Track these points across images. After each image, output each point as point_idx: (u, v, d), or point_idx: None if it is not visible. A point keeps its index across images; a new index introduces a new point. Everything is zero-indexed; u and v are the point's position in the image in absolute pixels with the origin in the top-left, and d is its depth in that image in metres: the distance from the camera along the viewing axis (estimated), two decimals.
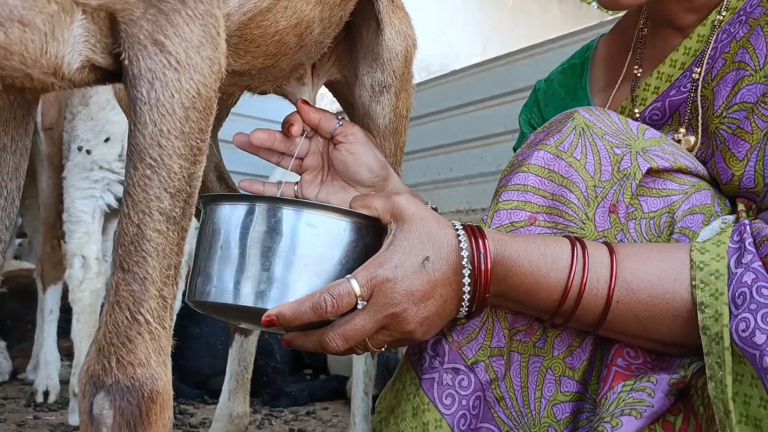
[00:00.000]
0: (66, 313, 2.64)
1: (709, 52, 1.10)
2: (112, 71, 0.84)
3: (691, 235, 0.96)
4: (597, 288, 0.90)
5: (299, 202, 0.93)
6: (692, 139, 1.10)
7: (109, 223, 2.82)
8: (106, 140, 2.44)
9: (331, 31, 1.25)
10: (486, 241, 0.90)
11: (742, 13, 1.09)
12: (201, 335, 2.90)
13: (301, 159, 1.30)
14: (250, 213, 0.92)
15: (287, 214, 0.91)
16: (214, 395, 2.76)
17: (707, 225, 0.97)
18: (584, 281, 0.89)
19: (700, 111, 1.09)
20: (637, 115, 1.17)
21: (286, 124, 1.24)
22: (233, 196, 0.94)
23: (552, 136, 1.00)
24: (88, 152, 2.44)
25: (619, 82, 1.25)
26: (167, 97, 0.81)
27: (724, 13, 1.12)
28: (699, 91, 1.09)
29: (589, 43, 1.39)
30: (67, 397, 2.62)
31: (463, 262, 0.89)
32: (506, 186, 0.99)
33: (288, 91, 1.43)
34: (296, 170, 1.31)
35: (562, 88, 1.36)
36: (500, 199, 0.99)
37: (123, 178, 2.48)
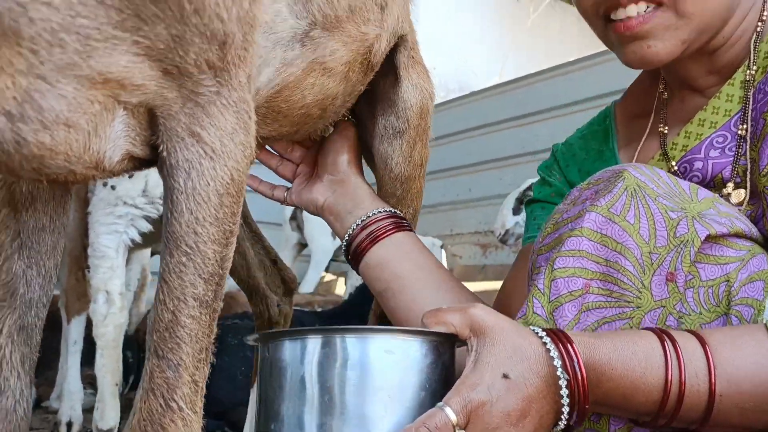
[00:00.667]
0: (89, 341, 2.67)
1: (750, 113, 1.10)
2: (149, 159, 0.86)
3: (755, 304, 0.94)
4: (698, 384, 0.86)
5: (366, 329, 0.88)
6: (742, 192, 1.09)
7: (132, 254, 2.86)
8: (130, 176, 2.48)
9: (351, 101, 1.29)
10: (574, 345, 0.85)
11: None
12: (222, 366, 2.92)
13: (297, 165, 1.41)
14: (318, 347, 0.86)
15: (360, 343, 0.85)
16: (234, 427, 2.78)
17: (767, 291, 0.96)
18: (683, 378, 0.85)
19: (749, 170, 1.08)
20: (675, 169, 1.17)
21: None
22: (295, 331, 0.89)
23: (602, 197, 0.97)
24: (113, 188, 2.48)
25: (643, 139, 1.25)
26: (203, 186, 0.83)
27: (753, 71, 1.12)
28: (748, 151, 1.09)
29: (604, 110, 1.40)
30: (89, 428, 2.64)
31: (558, 372, 0.85)
32: (560, 251, 0.97)
33: None
34: (291, 177, 1.42)
35: (583, 151, 1.37)
36: (555, 267, 0.96)
37: (146, 214, 2.53)
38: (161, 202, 2.45)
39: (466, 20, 8.76)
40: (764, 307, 0.94)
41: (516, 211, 4.31)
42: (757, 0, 1.16)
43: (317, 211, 1.39)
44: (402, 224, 1.33)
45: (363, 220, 1.32)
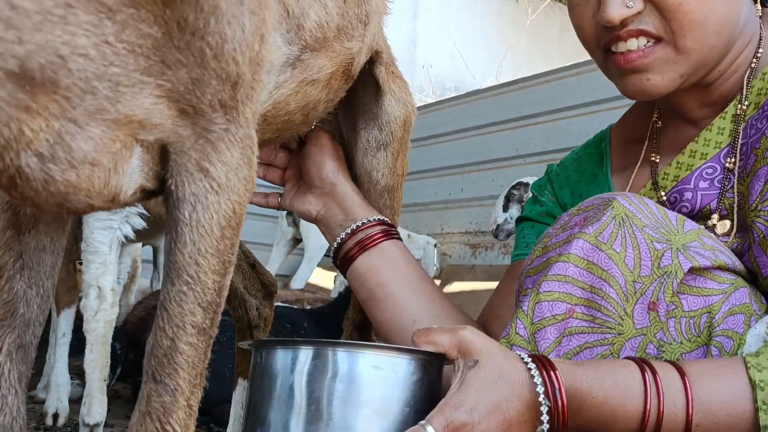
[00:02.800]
0: (79, 332, 2.69)
1: (739, 147, 1.12)
2: (155, 191, 0.89)
3: (735, 336, 0.97)
4: (675, 413, 0.88)
5: (357, 344, 0.91)
6: (728, 223, 1.11)
7: (123, 247, 2.87)
8: None
9: (331, 107, 1.31)
10: (558, 373, 0.88)
11: (767, 108, 1.11)
12: (209, 362, 2.94)
13: (283, 170, 1.44)
14: (307, 359, 0.89)
15: (349, 357, 0.88)
16: (220, 423, 2.81)
17: (748, 324, 0.99)
18: (661, 408, 0.88)
19: (735, 203, 1.11)
20: (663, 198, 1.19)
21: None
22: (288, 341, 0.93)
23: (591, 225, 1.00)
24: None
25: (637, 167, 1.28)
26: (207, 219, 0.86)
27: (744, 105, 1.14)
28: (735, 186, 1.11)
29: (600, 133, 1.43)
30: (75, 420, 2.67)
31: (540, 399, 0.87)
32: (546, 276, 0.99)
33: None
34: (279, 181, 1.45)
35: (577, 173, 1.39)
36: (541, 290, 0.99)
37: (141, 211, 2.54)
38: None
39: (464, 20, 8.76)
40: (744, 341, 0.97)
41: (505, 208, 4.42)
42: (753, 36, 1.19)
43: (311, 221, 1.43)
44: (390, 232, 1.36)
45: (353, 228, 1.35)
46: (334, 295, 4.48)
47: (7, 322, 0.95)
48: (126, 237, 2.54)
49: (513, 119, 6.09)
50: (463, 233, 6.39)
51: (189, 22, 0.77)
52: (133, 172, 0.83)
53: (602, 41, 1.15)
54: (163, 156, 0.85)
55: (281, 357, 0.91)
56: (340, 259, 1.37)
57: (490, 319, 1.37)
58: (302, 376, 0.88)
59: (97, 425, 2.29)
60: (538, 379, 0.87)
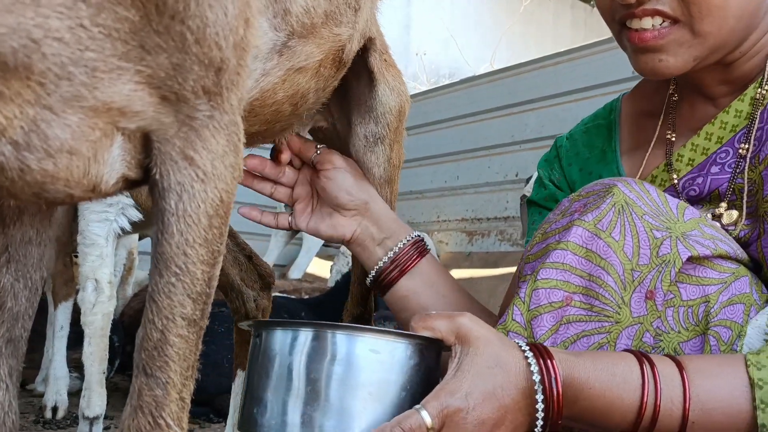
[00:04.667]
0: (76, 325, 2.68)
1: (754, 132, 1.10)
2: (140, 180, 0.88)
3: (734, 326, 0.96)
4: (671, 409, 0.88)
5: (356, 328, 0.91)
6: (735, 213, 1.09)
7: (119, 239, 2.86)
8: None
9: (323, 97, 1.29)
10: (555, 362, 0.87)
11: None
12: (207, 353, 2.94)
13: (291, 188, 1.40)
14: (306, 340, 0.90)
15: (346, 340, 0.88)
16: (220, 414, 2.81)
17: (747, 314, 0.98)
18: (657, 402, 0.88)
19: (745, 192, 1.08)
20: (675, 181, 1.17)
21: (275, 152, 1.36)
22: (286, 322, 0.93)
23: (590, 212, 0.99)
24: None
25: (651, 145, 1.25)
26: (194, 208, 0.85)
27: (765, 90, 1.11)
28: (746, 172, 1.09)
29: (611, 103, 1.38)
30: (74, 413, 2.67)
31: (536, 387, 0.87)
32: (544, 263, 0.99)
33: None
34: (288, 200, 1.41)
35: (587, 148, 1.35)
36: (538, 277, 0.98)
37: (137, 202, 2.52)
38: None
39: (458, 6, 8.72)
40: (745, 332, 0.96)
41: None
42: None
43: (343, 243, 1.39)
44: (423, 248, 1.36)
45: (394, 252, 1.33)
46: (331, 284, 4.47)
47: None
48: (122, 229, 2.52)
49: (508, 105, 6.07)
50: (459, 221, 6.38)
51: (168, 5, 0.75)
52: (115, 162, 0.82)
53: (617, 15, 1.12)
54: (146, 144, 0.84)
55: (280, 338, 0.91)
56: (379, 282, 1.35)
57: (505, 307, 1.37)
58: (300, 357, 0.89)
59: (96, 418, 2.28)
60: (534, 368, 0.87)
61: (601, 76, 5.04)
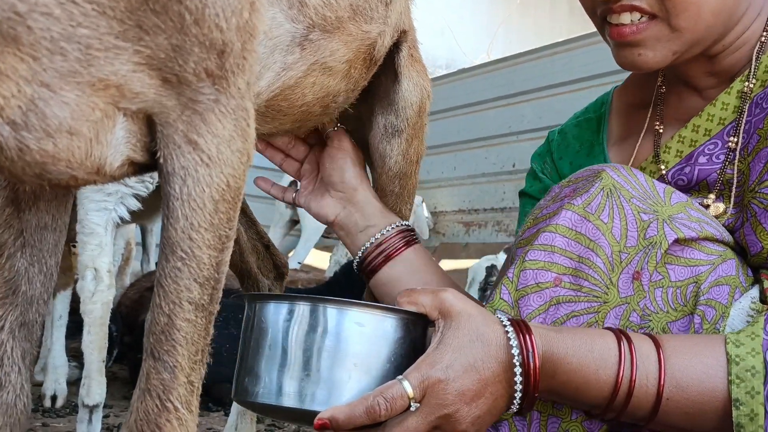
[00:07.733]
0: (75, 314, 2.68)
1: (743, 125, 1.11)
2: (149, 164, 0.88)
3: (718, 306, 0.98)
4: (647, 385, 0.90)
5: (344, 302, 0.93)
6: (721, 206, 1.11)
7: (117, 229, 2.86)
8: None
9: (354, 96, 1.29)
10: (533, 337, 0.90)
11: None
12: None
13: (300, 163, 1.44)
14: (297, 313, 0.92)
15: (334, 313, 0.91)
16: (218, 403, 2.82)
17: (732, 296, 1.00)
18: (633, 378, 0.90)
19: (734, 183, 1.10)
20: (663, 172, 1.18)
21: None
22: (279, 295, 0.94)
23: (579, 196, 1.01)
24: None
25: (641, 137, 1.26)
26: (198, 192, 0.85)
27: (752, 83, 1.12)
28: (736, 163, 1.10)
29: (603, 96, 1.40)
30: (74, 401, 2.67)
31: (514, 360, 0.89)
32: (532, 245, 1.00)
33: None
34: (295, 174, 1.45)
35: (577, 141, 1.37)
36: (526, 258, 1.00)
37: (136, 192, 2.52)
38: (151, 180, 2.46)
39: None
40: (728, 313, 0.98)
41: None
42: (763, 9, 1.16)
43: (327, 225, 1.42)
44: (410, 237, 1.37)
45: (377, 238, 1.35)
46: (329, 274, 4.48)
47: (9, 300, 0.94)
48: (121, 218, 2.52)
49: (505, 96, 6.07)
50: (456, 211, 6.39)
51: None
52: (119, 143, 0.81)
53: (598, 10, 1.14)
54: (151, 128, 0.83)
55: (272, 310, 0.94)
56: (364, 268, 1.37)
57: None
58: (289, 329, 0.92)
59: (96, 406, 2.29)
60: (514, 342, 0.90)
61: (599, 67, 5.04)
